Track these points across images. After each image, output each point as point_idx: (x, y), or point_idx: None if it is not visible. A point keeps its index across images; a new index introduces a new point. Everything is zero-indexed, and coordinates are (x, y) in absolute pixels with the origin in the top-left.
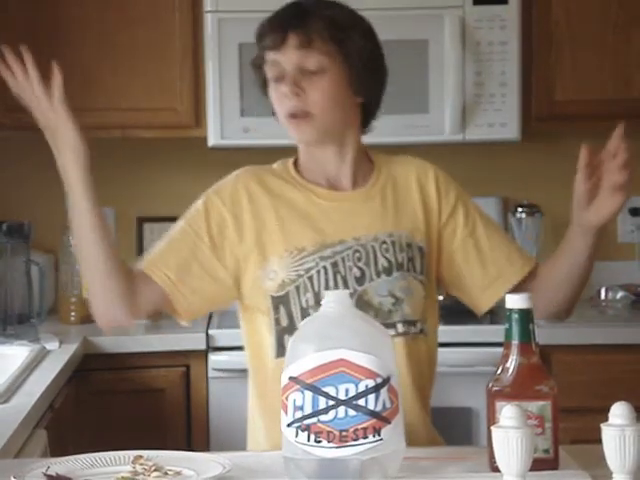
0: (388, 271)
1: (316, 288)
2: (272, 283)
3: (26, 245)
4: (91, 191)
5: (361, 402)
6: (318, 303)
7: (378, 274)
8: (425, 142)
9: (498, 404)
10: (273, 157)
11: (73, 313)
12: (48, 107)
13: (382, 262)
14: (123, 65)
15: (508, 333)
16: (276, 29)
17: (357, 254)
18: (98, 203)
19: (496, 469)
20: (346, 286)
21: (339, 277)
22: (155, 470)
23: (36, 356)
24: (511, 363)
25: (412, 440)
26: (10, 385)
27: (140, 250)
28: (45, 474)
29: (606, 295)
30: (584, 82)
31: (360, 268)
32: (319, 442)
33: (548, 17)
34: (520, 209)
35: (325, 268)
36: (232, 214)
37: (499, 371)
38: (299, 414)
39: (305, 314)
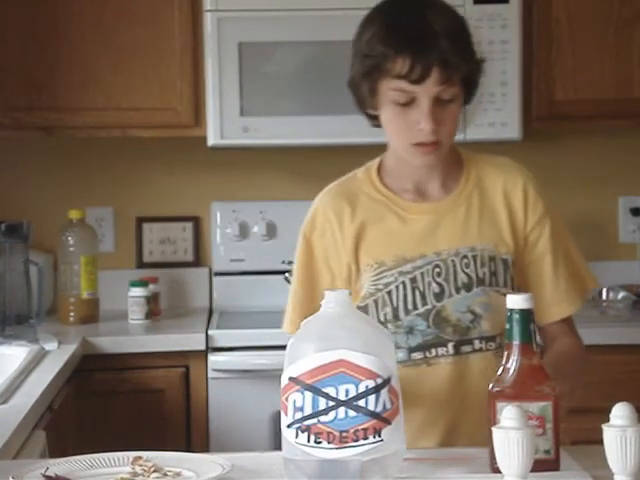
0: (468, 287)
1: (394, 303)
2: (358, 295)
3: (25, 245)
4: None
5: (361, 403)
6: (396, 318)
7: (457, 290)
8: None
9: (499, 405)
10: (273, 157)
11: (72, 313)
12: None
13: (462, 278)
14: (122, 64)
15: (509, 333)
16: (415, 59)
17: (437, 269)
18: None
19: (497, 470)
20: (424, 302)
21: (417, 292)
22: (154, 471)
23: (35, 357)
24: (512, 364)
25: None
26: (9, 386)
27: (139, 250)
28: (44, 475)
29: (607, 295)
30: (585, 81)
31: (439, 284)
32: (319, 443)
33: (549, 16)
34: None
35: (404, 283)
36: (330, 240)
37: (500, 372)
38: (299, 415)
39: (383, 326)
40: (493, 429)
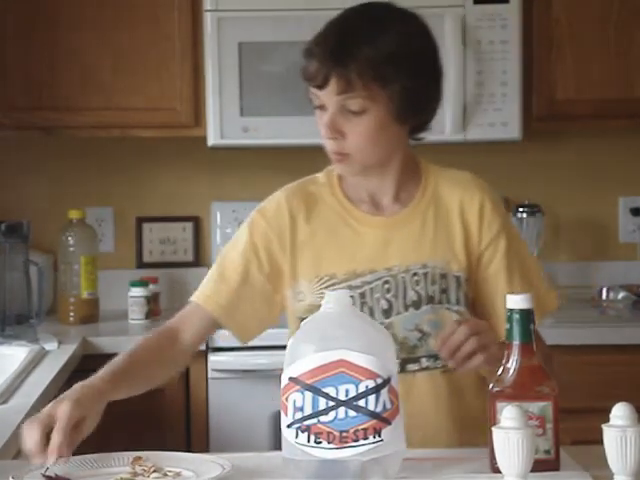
0: (417, 304)
1: None
2: (300, 305)
3: (25, 245)
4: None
5: (361, 403)
6: None
7: (406, 307)
8: (425, 141)
9: (499, 405)
10: (272, 156)
11: (72, 313)
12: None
13: (411, 295)
14: (122, 64)
15: (509, 334)
16: (318, 67)
17: (387, 285)
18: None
19: (497, 470)
20: (372, 318)
21: (366, 308)
22: (154, 471)
23: (35, 357)
24: (512, 364)
25: None
26: (9, 386)
27: (139, 250)
28: (44, 475)
29: (607, 295)
30: (585, 81)
31: (388, 300)
32: (319, 443)
33: (549, 16)
34: (521, 209)
35: (353, 298)
36: (276, 234)
37: (500, 372)
38: (299, 415)
39: None
40: (493, 429)
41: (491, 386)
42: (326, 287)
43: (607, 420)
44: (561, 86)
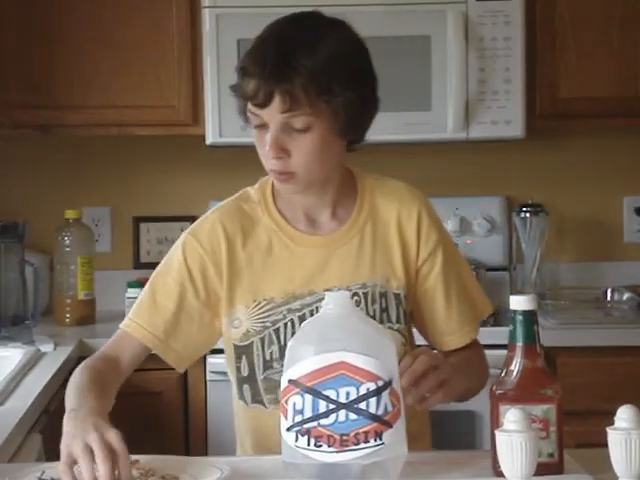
0: None
1: (282, 341)
2: (236, 331)
3: (20, 245)
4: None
5: (362, 405)
6: (283, 357)
7: None
8: (427, 140)
9: (502, 407)
10: None
11: (68, 315)
12: None
13: None
14: (120, 62)
15: (512, 335)
16: (259, 85)
17: None
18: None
19: (500, 473)
20: None
21: None
22: (152, 475)
23: (31, 358)
24: (515, 366)
25: None
26: (4, 388)
27: (137, 250)
28: (40, 478)
29: (612, 296)
30: (589, 79)
31: None
32: (319, 446)
33: (552, 12)
34: (524, 208)
35: (292, 321)
36: (210, 257)
37: (503, 374)
38: (299, 418)
39: (268, 366)
40: (496, 432)
41: (494, 388)
42: (264, 311)
43: (611, 423)
44: (565, 84)
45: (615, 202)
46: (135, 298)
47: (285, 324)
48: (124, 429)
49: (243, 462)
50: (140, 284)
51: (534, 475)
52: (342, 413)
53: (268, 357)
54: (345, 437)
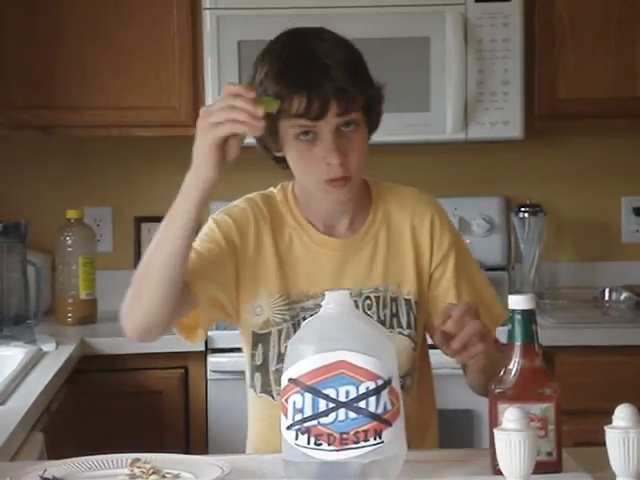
0: None
1: None
2: (257, 319)
3: (23, 245)
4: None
5: (362, 404)
6: None
7: None
8: (427, 141)
9: (501, 406)
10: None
11: (70, 314)
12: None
13: None
14: (121, 63)
15: (511, 334)
16: (310, 97)
17: None
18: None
19: (499, 472)
20: None
21: None
22: (153, 473)
23: (32, 358)
24: (514, 365)
25: None
26: (6, 387)
27: (138, 250)
28: (42, 477)
29: (610, 296)
30: (587, 80)
31: None
32: (319, 445)
33: (551, 14)
34: (523, 209)
35: (305, 319)
36: (240, 235)
37: (502, 373)
38: (299, 416)
39: (281, 359)
40: (495, 431)
41: (493, 387)
42: (283, 305)
43: (610, 422)
44: (563, 85)
45: (613, 202)
46: None
47: (299, 321)
48: (125, 428)
49: (243, 460)
50: None
51: (533, 473)
52: (342, 412)
53: (283, 350)
54: (345, 436)
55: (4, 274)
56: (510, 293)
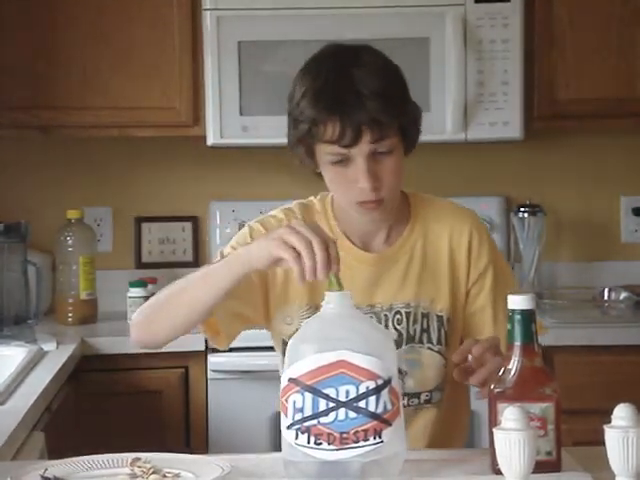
0: (397, 344)
1: None
2: (288, 328)
3: (23, 245)
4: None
5: (362, 404)
6: None
7: None
8: (426, 141)
9: (500, 406)
10: (272, 156)
11: (70, 314)
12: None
13: (392, 334)
14: (121, 64)
15: (510, 334)
16: (344, 125)
17: None
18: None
19: (498, 471)
20: None
21: None
22: (153, 472)
23: (33, 357)
24: (513, 364)
25: None
26: (7, 387)
27: (138, 250)
28: (42, 476)
29: (609, 296)
30: (587, 80)
31: None
32: (319, 444)
33: (550, 15)
34: (522, 209)
35: None
36: None
37: (501, 372)
38: (299, 416)
39: None
40: (494, 430)
41: (492, 387)
42: (307, 318)
43: (609, 421)
44: (562, 85)
45: (612, 202)
46: (136, 298)
47: None
48: (125, 427)
49: (243, 460)
50: (141, 284)
51: (532, 473)
52: (342, 411)
53: None
54: (345, 435)
55: (4, 274)
56: (510, 293)
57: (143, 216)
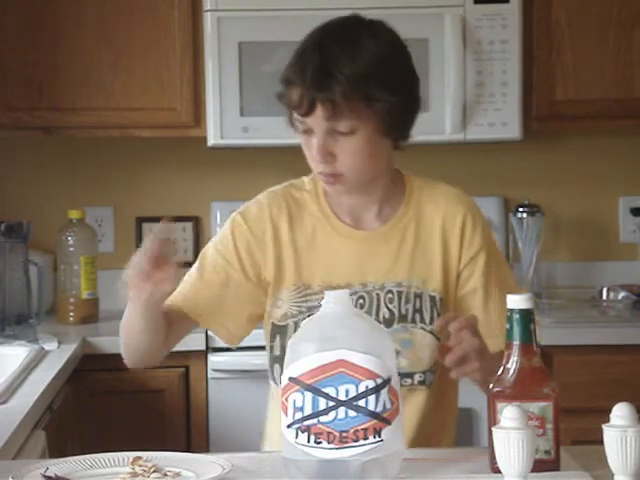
0: (389, 322)
1: None
2: (277, 311)
3: (25, 245)
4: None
5: (361, 403)
6: None
7: None
8: (425, 141)
9: (499, 405)
10: (272, 156)
11: (72, 313)
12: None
13: (384, 312)
14: (122, 64)
15: (509, 334)
16: (302, 94)
17: (360, 301)
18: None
19: (497, 470)
20: None
21: None
22: (154, 471)
23: (35, 357)
24: (512, 364)
25: None
26: (9, 386)
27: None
28: (44, 475)
29: (607, 295)
30: (585, 81)
31: None
32: (319, 443)
33: (549, 16)
34: (521, 209)
35: None
36: (256, 239)
37: (500, 372)
38: (299, 415)
39: None
40: (493, 429)
41: (491, 386)
42: (302, 296)
43: (607, 420)
44: (561, 86)
45: (611, 202)
46: None
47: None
48: (126, 426)
49: (244, 458)
50: None
51: (531, 472)
52: (342, 410)
53: None
54: (344, 434)
55: (6, 274)
56: (507, 292)
57: (144, 216)
